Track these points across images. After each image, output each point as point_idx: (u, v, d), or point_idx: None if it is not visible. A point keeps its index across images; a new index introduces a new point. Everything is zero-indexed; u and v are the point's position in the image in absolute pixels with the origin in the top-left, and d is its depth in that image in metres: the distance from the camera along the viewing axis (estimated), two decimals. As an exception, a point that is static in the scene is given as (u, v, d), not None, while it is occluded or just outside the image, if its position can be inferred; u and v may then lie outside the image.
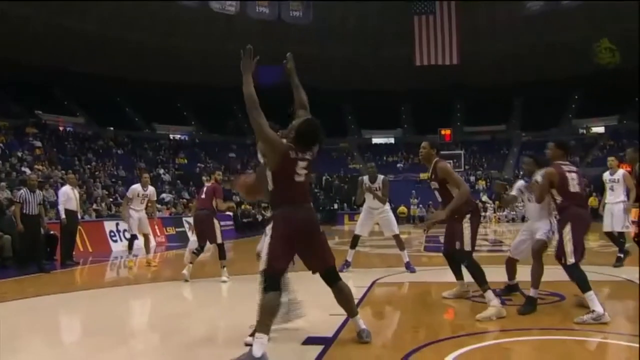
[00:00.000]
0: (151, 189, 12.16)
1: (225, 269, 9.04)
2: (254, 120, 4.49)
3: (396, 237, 9.77)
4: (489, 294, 5.70)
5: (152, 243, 16.02)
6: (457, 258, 6.41)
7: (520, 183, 7.08)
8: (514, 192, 7.13)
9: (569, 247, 5.57)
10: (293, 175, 4.49)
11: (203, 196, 9.46)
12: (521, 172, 43.28)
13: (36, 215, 11.09)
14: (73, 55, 39.20)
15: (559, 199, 5.78)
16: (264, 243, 4.78)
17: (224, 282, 8.79)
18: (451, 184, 6.14)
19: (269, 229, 4.56)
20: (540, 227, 6.37)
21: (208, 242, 9.46)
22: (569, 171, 5.80)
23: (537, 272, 6.08)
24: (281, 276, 4.48)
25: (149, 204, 12.14)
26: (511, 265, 6.80)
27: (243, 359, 4.09)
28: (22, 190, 11.46)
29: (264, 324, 4.20)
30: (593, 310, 5.28)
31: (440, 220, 6.25)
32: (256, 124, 4.49)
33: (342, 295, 4.76)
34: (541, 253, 6.23)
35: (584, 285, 5.49)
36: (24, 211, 10.96)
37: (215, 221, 9.36)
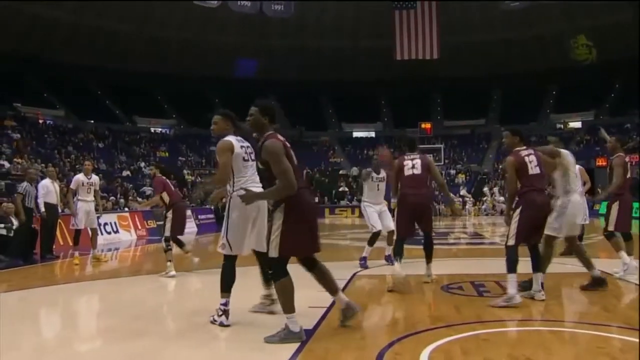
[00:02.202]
0: (95, 178, 12.01)
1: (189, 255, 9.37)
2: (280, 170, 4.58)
3: (392, 233, 9.58)
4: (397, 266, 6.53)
5: (133, 237, 15.97)
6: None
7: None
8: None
9: (512, 230, 5.98)
10: (292, 160, 4.69)
11: (176, 189, 9.63)
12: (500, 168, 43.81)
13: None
14: (49, 44, 38.65)
15: (519, 184, 6.09)
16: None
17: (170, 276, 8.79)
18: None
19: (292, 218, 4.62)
20: (572, 201, 6.59)
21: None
22: (527, 155, 6.15)
23: (545, 257, 6.39)
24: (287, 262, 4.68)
25: (95, 195, 11.86)
26: (578, 252, 6.90)
27: (282, 334, 4.50)
28: (25, 183, 11.75)
29: (288, 305, 4.55)
30: (508, 292, 5.72)
31: None
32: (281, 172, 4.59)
33: (324, 276, 4.96)
34: (551, 243, 6.54)
35: (510, 266, 5.86)
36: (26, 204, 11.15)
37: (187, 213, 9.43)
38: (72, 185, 11.87)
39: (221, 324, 5.10)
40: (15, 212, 11.77)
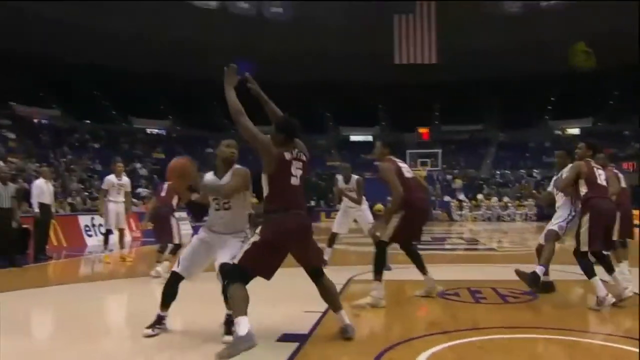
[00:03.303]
0: (126, 179, 11.94)
1: (166, 263, 8.54)
2: (245, 128, 4.53)
3: (373, 235, 9.73)
4: (376, 285, 6.11)
5: (128, 238, 15.86)
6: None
7: (554, 178, 7.28)
8: (550, 189, 7.37)
9: (584, 236, 5.99)
10: (289, 178, 4.55)
11: (163, 193, 9.25)
12: (507, 173, 43.87)
13: (8, 208, 10.90)
14: (46, 44, 38.53)
15: (584, 189, 6.12)
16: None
17: (156, 277, 8.40)
18: (390, 185, 6.32)
19: (254, 231, 4.56)
20: (559, 214, 6.63)
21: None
22: (597, 168, 6.28)
23: (548, 252, 6.37)
24: (252, 278, 4.47)
25: (125, 196, 11.84)
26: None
27: (231, 344, 4.20)
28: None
29: (239, 310, 4.24)
30: (597, 296, 5.77)
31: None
32: (248, 132, 4.53)
33: (327, 291, 4.82)
34: (552, 238, 6.50)
35: (589, 272, 5.93)
36: (-4, 204, 10.76)
37: (174, 220, 9.11)
38: (104, 186, 11.82)
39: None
40: None
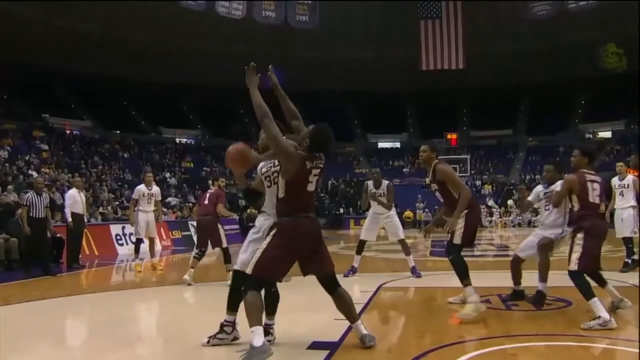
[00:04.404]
0: (156, 188, 12.11)
1: (230, 273, 8.97)
2: (268, 131, 4.50)
3: (402, 242, 9.75)
4: (469, 290, 5.78)
5: (158, 247, 16.05)
6: (446, 251, 6.41)
7: (538, 188, 7.08)
8: (531, 198, 7.18)
9: (575, 255, 5.57)
10: (306, 184, 4.53)
11: (206, 202, 9.51)
12: (537, 177, 43.32)
13: (43, 218, 11.09)
14: (78, 56, 39.27)
15: (577, 206, 5.77)
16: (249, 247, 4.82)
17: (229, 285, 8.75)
18: (451, 186, 6.17)
19: (267, 234, 4.56)
20: (553, 221, 6.47)
21: (210, 247, 9.52)
22: (592, 181, 5.76)
23: (544, 266, 6.18)
24: (267, 283, 4.49)
25: (155, 205, 12.01)
26: (516, 267, 6.77)
27: (246, 356, 4.13)
28: (29, 194, 11.45)
29: (255, 319, 4.23)
30: (599, 317, 5.27)
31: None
32: (270, 135, 4.50)
33: (342, 302, 4.76)
34: (546, 249, 6.29)
35: (586, 292, 5.48)
36: (31, 214, 10.92)
37: (220, 226, 9.44)
38: (134, 196, 12.01)
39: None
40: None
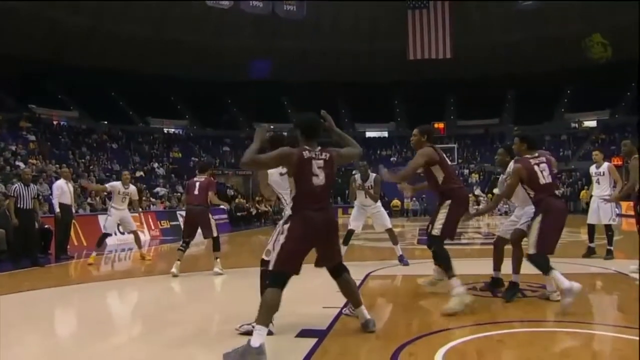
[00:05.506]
0: (132, 188, 12.06)
1: (218, 260, 9.07)
2: (259, 163, 4.70)
3: (389, 231, 9.82)
4: (453, 281, 5.70)
5: (146, 237, 16.04)
6: (427, 242, 6.39)
7: (501, 177, 7.05)
8: (498, 190, 7.21)
9: (532, 237, 5.66)
10: (311, 177, 4.54)
11: (197, 192, 9.34)
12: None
13: (30, 209, 11.06)
14: (65, 48, 39.02)
15: (531, 193, 5.86)
16: (274, 239, 4.85)
17: (218, 274, 8.82)
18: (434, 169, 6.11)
19: (284, 228, 4.58)
20: (526, 212, 6.33)
21: (203, 237, 9.54)
22: (537, 163, 5.85)
23: (517, 259, 6.18)
24: (289, 277, 4.47)
25: (132, 203, 12.05)
26: (499, 251, 6.74)
27: (240, 350, 4.10)
28: (16, 185, 11.43)
29: (264, 318, 4.22)
30: (563, 288, 5.37)
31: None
32: (260, 165, 4.77)
33: (348, 287, 4.87)
34: (519, 240, 6.30)
35: (544, 268, 5.55)
36: (18, 205, 10.90)
37: (210, 215, 9.42)
38: (109, 186, 12.09)
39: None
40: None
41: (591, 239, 10.03)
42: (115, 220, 11.82)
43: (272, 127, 5.52)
